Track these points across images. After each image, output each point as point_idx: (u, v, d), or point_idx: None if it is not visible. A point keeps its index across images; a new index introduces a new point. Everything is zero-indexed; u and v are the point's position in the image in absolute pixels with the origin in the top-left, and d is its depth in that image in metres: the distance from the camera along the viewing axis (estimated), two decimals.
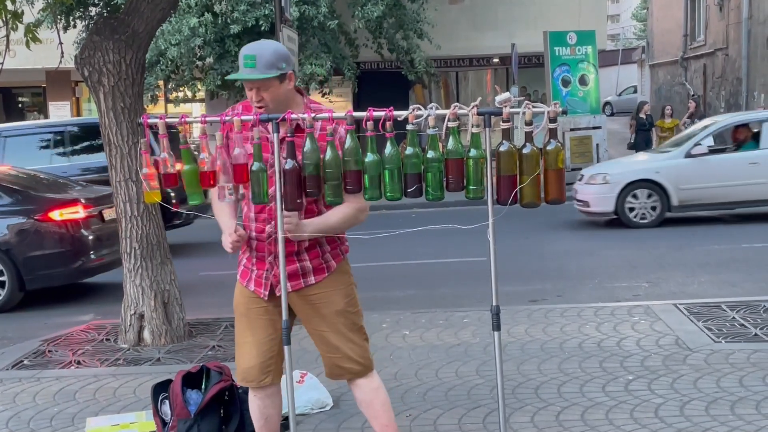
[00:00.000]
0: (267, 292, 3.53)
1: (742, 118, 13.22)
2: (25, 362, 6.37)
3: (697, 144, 12.32)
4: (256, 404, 3.73)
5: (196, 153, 3.42)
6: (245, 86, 3.37)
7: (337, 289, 3.57)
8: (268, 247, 3.47)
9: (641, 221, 12.28)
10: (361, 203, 3.40)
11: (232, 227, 3.44)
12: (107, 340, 6.90)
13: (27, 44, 6.81)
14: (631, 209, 12.32)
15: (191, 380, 4.66)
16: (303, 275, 3.51)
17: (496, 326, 3.37)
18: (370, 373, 3.62)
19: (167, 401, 4.63)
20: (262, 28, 16.34)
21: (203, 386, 4.62)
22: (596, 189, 12.50)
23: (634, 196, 12.29)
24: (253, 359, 3.60)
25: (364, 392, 3.63)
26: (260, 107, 3.35)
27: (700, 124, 13.72)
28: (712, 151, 12.43)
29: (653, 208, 12.27)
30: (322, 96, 18.59)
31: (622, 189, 12.25)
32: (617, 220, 12.51)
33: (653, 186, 12.22)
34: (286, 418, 4.53)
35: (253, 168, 3.21)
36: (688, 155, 12.27)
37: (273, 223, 3.40)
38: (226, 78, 3.41)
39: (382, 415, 3.63)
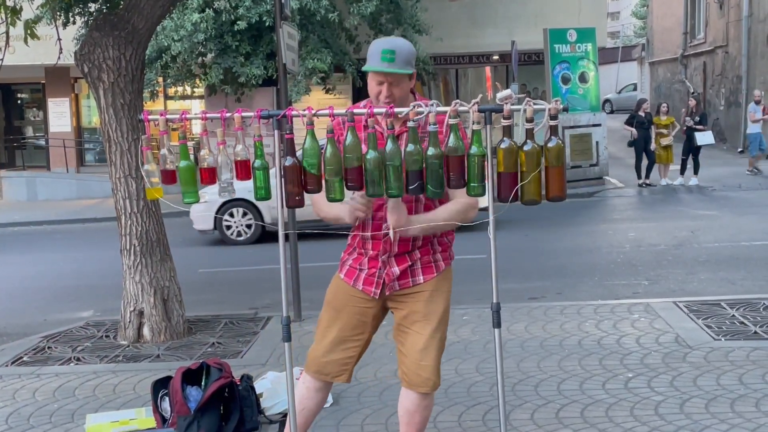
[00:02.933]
0: (378, 291, 3.50)
1: None
2: (25, 359, 6.38)
3: None
4: (301, 391, 3.66)
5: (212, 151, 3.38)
6: (374, 80, 3.32)
7: (441, 290, 3.54)
8: (383, 245, 3.45)
9: (238, 238, 12.87)
10: (471, 200, 3.36)
11: (346, 204, 3.36)
12: (107, 336, 6.90)
13: (25, 40, 6.80)
14: (228, 227, 12.90)
15: (191, 377, 4.66)
16: (412, 274, 3.49)
17: (497, 323, 3.37)
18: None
19: (167, 398, 4.64)
20: (266, 24, 16.32)
21: (203, 383, 4.63)
22: (199, 207, 12.81)
23: (231, 215, 12.84)
24: (333, 354, 3.56)
25: (414, 404, 3.55)
26: (388, 102, 3.30)
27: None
28: None
29: (248, 226, 12.87)
30: (326, 92, 18.55)
31: (219, 208, 12.71)
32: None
33: (247, 205, 12.72)
34: (285, 415, 4.54)
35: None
36: None
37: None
38: (363, 69, 3.35)
39: (417, 427, 3.57)
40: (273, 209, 12.46)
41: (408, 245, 3.46)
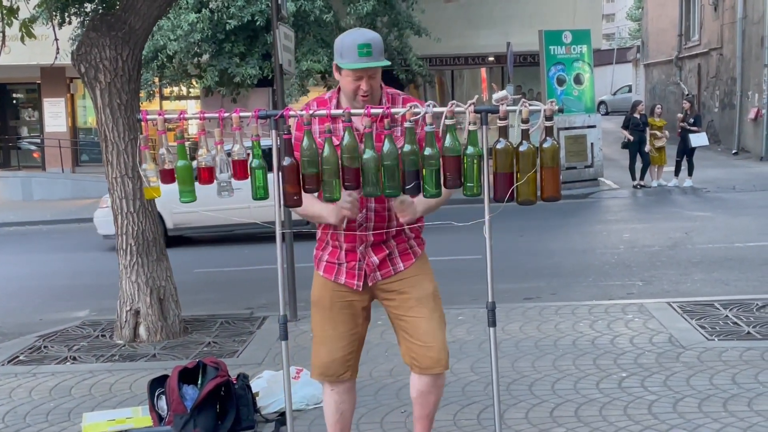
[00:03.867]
0: (361, 283, 3.52)
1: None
2: (21, 358, 6.39)
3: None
4: (332, 399, 3.68)
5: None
6: (351, 76, 3.29)
7: (425, 273, 3.59)
8: (359, 236, 3.47)
9: None
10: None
11: (335, 203, 3.37)
12: (103, 336, 6.91)
13: (22, 39, 6.81)
14: None
15: (187, 376, 4.68)
16: (392, 263, 3.52)
17: (492, 322, 3.39)
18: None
19: (163, 396, 4.66)
20: (258, 24, 16.32)
21: (199, 382, 4.65)
22: (101, 213, 12.91)
23: None
24: (333, 353, 3.58)
25: (427, 385, 3.58)
26: (365, 97, 3.31)
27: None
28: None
29: None
30: (327, 90, 18.58)
31: None
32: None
33: None
34: (282, 414, 4.56)
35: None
36: None
37: (364, 212, 3.41)
38: (341, 66, 3.31)
39: (431, 407, 3.62)
40: (175, 215, 12.69)
41: (382, 235, 3.48)
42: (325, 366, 3.60)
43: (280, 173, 3.28)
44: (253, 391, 4.83)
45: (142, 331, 6.66)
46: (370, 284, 3.53)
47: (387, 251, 3.51)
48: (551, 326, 6.48)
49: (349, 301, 3.57)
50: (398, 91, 3.49)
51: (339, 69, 3.35)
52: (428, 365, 3.52)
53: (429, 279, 3.59)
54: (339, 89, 3.47)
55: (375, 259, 3.50)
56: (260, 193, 3.38)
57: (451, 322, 6.74)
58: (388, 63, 3.36)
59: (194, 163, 3.45)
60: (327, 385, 3.68)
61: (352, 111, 3.26)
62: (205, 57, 17.19)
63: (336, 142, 3.25)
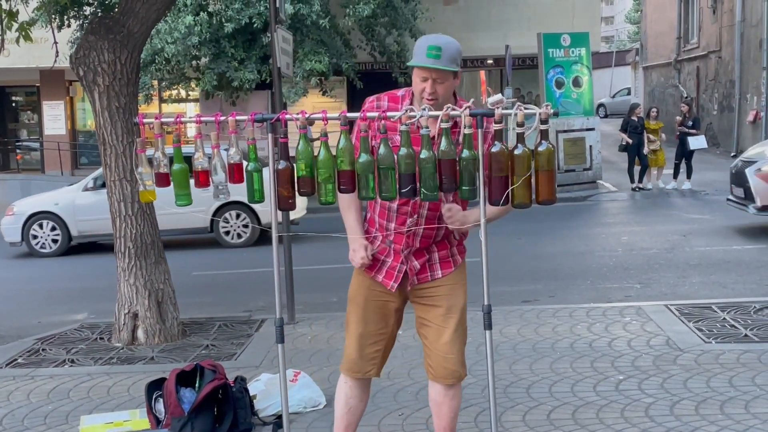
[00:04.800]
0: (396, 285, 3.53)
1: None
2: (20, 360, 6.39)
3: (95, 178, 13.11)
4: (344, 392, 3.70)
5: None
6: (419, 76, 3.32)
7: (460, 283, 3.60)
8: (406, 239, 3.48)
9: (42, 250, 13.03)
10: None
11: (361, 239, 3.46)
12: (101, 338, 6.91)
13: (17, 41, 6.80)
14: (35, 238, 13.04)
15: (185, 379, 4.68)
16: (431, 269, 3.53)
17: (488, 325, 3.40)
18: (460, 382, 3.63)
19: (161, 399, 4.66)
20: (255, 26, 16.33)
21: (197, 385, 4.65)
22: (7, 220, 13.10)
23: (40, 226, 13.04)
24: (361, 350, 3.60)
25: (441, 395, 3.61)
26: (431, 100, 3.30)
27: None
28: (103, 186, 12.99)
29: (54, 240, 13.06)
30: (323, 94, 18.57)
31: (26, 220, 12.98)
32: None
33: (54, 217, 13.00)
34: (279, 417, 4.56)
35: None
36: (86, 189, 13.11)
37: (416, 216, 3.42)
38: (408, 64, 3.36)
39: (446, 419, 3.63)
40: (80, 222, 12.91)
41: (429, 241, 3.50)
42: (352, 361, 3.63)
43: (275, 176, 3.29)
44: (251, 394, 4.84)
45: (140, 333, 6.66)
46: (408, 288, 3.55)
47: (427, 256, 3.53)
48: (549, 329, 6.49)
49: (384, 301, 3.60)
50: (466, 102, 3.44)
51: (411, 70, 3.40)
52: (442, 375, 3.56)
53: (463, 291, 3.61)
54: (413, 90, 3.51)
55: (416, 263, 3.52)
56: (257, 196, 3.39)
57: None
58: (455, 69, 3.33)
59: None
60: (345, 380, 3.70)
61: (348, 114, 3.26)
62: (204, 60, 17.21)
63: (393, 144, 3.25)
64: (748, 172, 11.18)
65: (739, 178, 11.56)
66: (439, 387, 3.59)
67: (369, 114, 3.24)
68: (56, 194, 13.66)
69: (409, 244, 3.49)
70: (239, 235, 12.93)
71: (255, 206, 12.34)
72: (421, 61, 3.29)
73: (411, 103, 3.41)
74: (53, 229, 13.05)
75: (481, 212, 3.29)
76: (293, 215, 13.12)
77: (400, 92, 3.51)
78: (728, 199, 12.01)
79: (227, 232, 12.94)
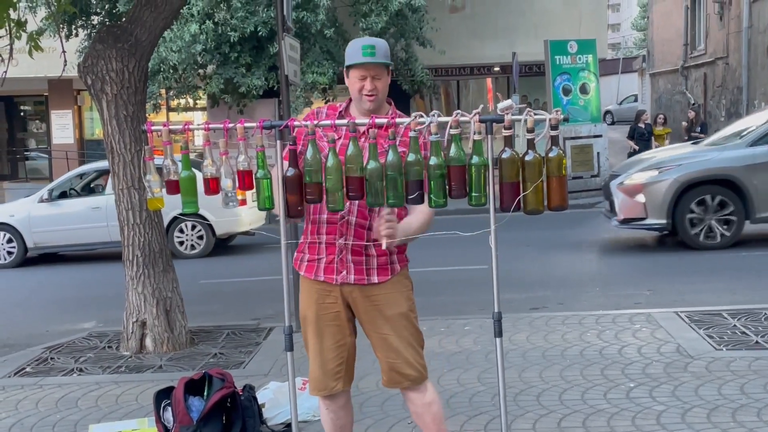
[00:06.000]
0: (339, 277, 3.51)
1: (87, 168, 14.38)
2: (28, 369, 6.38)
3: (51, 190, 13.24)
4: (328, 417, 3.70)
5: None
6: (357, 76, 3.40)
7: (401, 291, 3.57)
8: (339, 228, 3.47)
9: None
10: (432, 211, 3.44)
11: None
12: (109, 347, 6.90)
13: (29, 52, 6.83)
14: None
15: (193, 387, 4.66)
16: (368, 272, 3.51)
17: (498, 333, 3.37)
18: (424, 384, 3.59)
19: (170, 408, 4.63)
20: (260, 34, 16.36)
21: (205, 393, 4.63)
22: None
23: None
24: (324, 365, 3.59)
25: (416, 406, 3.62)
26: (371, 96, 3.40)
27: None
28: (61, 196, 13.26)
29: (10, 252, 13.12)
30: (325, 103, 18.60)
31: None
32: None
33: (9, 229, 13.09)
34: (288, 425, 4.54)
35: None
36: (41, 200, 13.16)
37: (348, 204, 3.39)
38: (347, 65, 3.43)
39: (432, 428, 3.62)
40: (35, 233, 13.03)
41: (364, 232, 3.48)
42: (317, 380, 3.61)
43: (283, 184, 3.28)
44: (260, 403, 4.81)
45: (148, 342, 6.65)
46: (340, 281, 3.51)
47: (364, 257, 3.50)
48: (558, 336, 6.46)
49: (335, 312, 3.57)
50: (405, 115, 3.51)
51: (347, 72, 3.47)
52: (396, 380, 3.57)
53: (404, 297, 3.58)
54: (350, 99, 3.55)
55: (350, 257, 3.49)
56: (267, 204, 3.37)
57: (458, 332, 6.73)
58: (390, 63, 3.47)
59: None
60: (322, 403, 3.70)
61: (357, 121, 3.25)
62: (210, 68, 17.26)
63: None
64: (612, 185, 11.27)
65: (606, 191, 11.72)
66: (412, 396, 3.59)
67: (378, 121, 3.22)
68: (12, 206, 13.84)
69: (342, 233, 3.47)
70: (193, 246, 12.96)
71: (210, 217, 12.40)
72: (357, 59, 3.40)
73: (347, 110, 3.52)
74: (9, 240, 13.13)
75: (491, 220, 3.26)
76: (249, 225, 13.20)
77: (338, 103, 3.63)
78: (603, 213, 12.08)
79: (181, 243, 12.98)
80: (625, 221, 10.97)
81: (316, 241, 3.54)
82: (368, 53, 3.39)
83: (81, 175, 13.96)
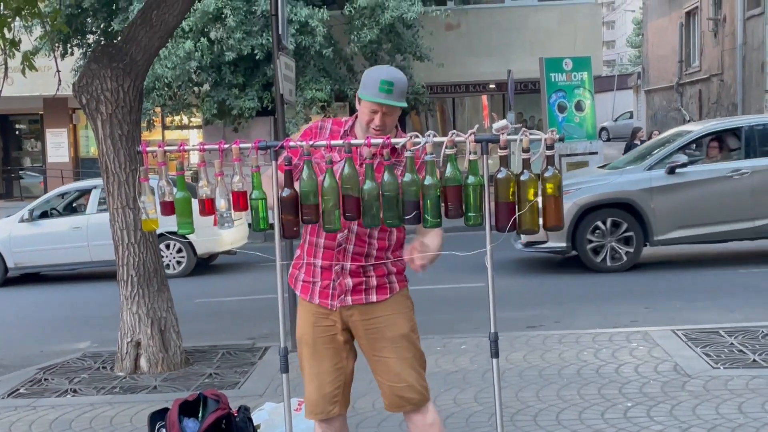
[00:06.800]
0: (336, 303, 3.49)
1: (69, 188, 14.42)
2: (21, 390, 6.35)
3: (31, 209, 13.28)
4: None
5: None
6: (368, 108, 3.37)
7: (401, 312, 3.55)
8: (336, 255, 3.45)
9: None
10: (440, 231, 3.44)
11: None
12: (103, 368, 6.87)
13: (23, 71, 6.86)
14: None
15: (188, 409, 4.63)
16: (366, 292, 3.49)
17: (494, 353, 3.36)
18: (426, 406, 3.56)
19: (164, 430, 4.60)
20: (257, 57, 16.42)
21: (200, 415, 4.60)
22: None
23: None
24: (321, 389, 3.56)
25: (418, 428, 3.57)
26: (378, 131, 3.38)
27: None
28: (42, 216, 13.30)
29: None
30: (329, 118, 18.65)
31: None
32: None
33: None
34: None
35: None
36: (21, 220, 13.21)
37: (346, 232, 3.39)
38: (360, 96, 3.41)
39: None
40: (16, 253, 13.02)
41: (362, 258, 3.46)
42: (314, 403, 3.59)
43: (279, 204, 3.28)
44: (255, 424, 4.78)
45: (143, 362, 6.63)
46: (338, 305, 3.49)
47: (363, 278, 3.48)
48: (555, 355, 6.45)
49: (332, 335, 3.55)
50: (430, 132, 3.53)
51: (359, 100, 3.44)
52: (398, 404, 3.54)
53: (405, 318, 3.56)
54: (356, 116, 3.55)
55: (349, 281, 3.47)
56: (262, 224, 3.37)
57: (454, 351, 6.71)
58: (405, 105, 3.43)
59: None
60: (318, 427, 3.66)
61: (353, 141, 3.26)
62: (206, 87, 17.28)
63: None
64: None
65: None
66: (414, 417, 3.55)
67: (373, 141, 3.23)
68: None
69: (339, 259, 3.46)
70: (174, 266, 12.90)
71: (192, 237, 12.30)
72: (372, 96, 3.35)
73: (353, 128, 3.51)
74: None
75: (486, 238, 3.26)
76: (231, 245, 13.18)
77: (344, 118, 3.60)
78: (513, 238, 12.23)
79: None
80: (529, 244, 11.17)
81: (312, 263, 3.53)
82: (385, 90, 3.33)
83: (62, 195, 13.93)
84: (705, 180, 10.79)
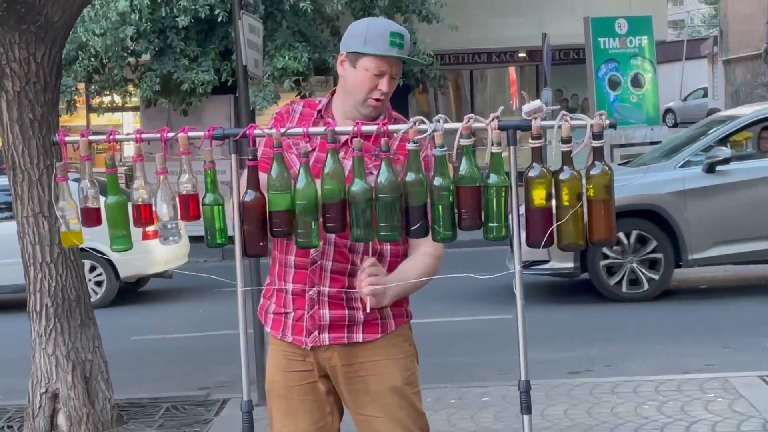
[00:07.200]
0: (310, 340, 3.47)
1: None
2: None
3: None
4: None
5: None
6: (374, 69, 3.38)
7: (394, 358, 3.52)
8: (311, 276, 3.43)
9: None
10: (438, 249, 3.43)
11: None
12: (9, 427, 6.87)
13: None
14: None
15: None
16: (348, 327, 3.46)
17: (526, 408, 3.35)
18: None
19: None
20: (220, 19, 16.42)
21: None
22: None
23: None
24: None
25: None
26: (379, 101, 3.42)
27: None
28: None
29: None
30: (300, 99, 18.60)
31: None
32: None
33: None
34: None
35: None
36: None
37: (321, 244, 3.35)
38: (361, 51, 3.40)
39: None
40: None
41: (343, 278, 3.43)
42: None
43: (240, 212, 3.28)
44: None
45: (61, 420, 6.61)
46: (311, 344, 3.46)
47: (347, 311, 3.45)
48: (606, 409, 6.46)
49: (310, 383, 3.54)
50: (403, 117, 3.55)
51: (353, 60, 3.43)
52: None
53: (398, 366, 3.53)
54: (333, 92, 3.56)
55: (327, 313, 3.45)
56: (219, 239, 3.34)
57: (475, 404, 6.71)
58: (422, 63, 3.43)
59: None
60: None
61: (338, 128, 3.26)
62: (144, 57, 17.29)
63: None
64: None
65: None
66: None
67: (365, 128, 3.23)
68: None
69: (314, 282, 3.44)
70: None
71: (114, 256, 12.17)
72: (383, 50, 3.37)
73: (328, 107, 3.53)
74: None
75: (515, 255, 3.26)
76: (166, 265, 13.08)
77: (317, 99, 3.62)
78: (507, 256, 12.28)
79: None
80: (526, 265, 11.07)
81: (283, 288, 3.53)
82: (396, 44, 3.38)
83: None
84: (756, 180, 10.70)
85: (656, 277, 10.75)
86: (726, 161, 10.67)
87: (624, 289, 10.78)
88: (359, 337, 3.47)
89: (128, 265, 12.73)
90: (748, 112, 11.72)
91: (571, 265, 10.80)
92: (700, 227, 10.61)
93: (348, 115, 3.46)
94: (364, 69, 3.40)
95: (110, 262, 12.62)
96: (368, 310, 3.38)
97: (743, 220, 10.61)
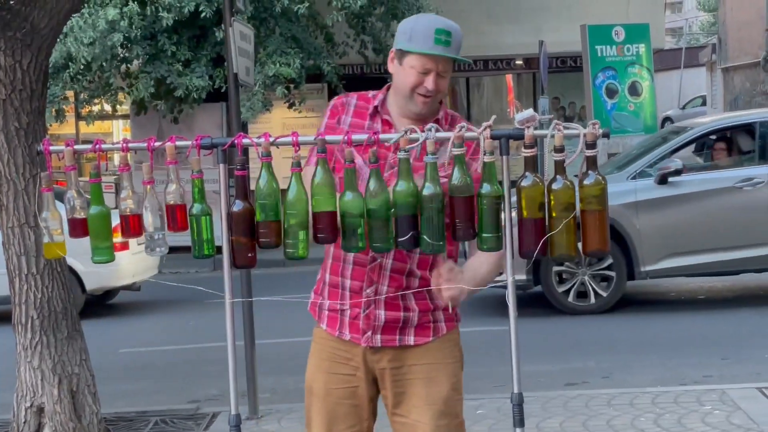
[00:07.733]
0: (364, 339, 3.48)
1: None
2: None
3: None
4: None
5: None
6: (419, 67, 3.39)
7: (444, 362, 3.55)
8: (369, 274, 3.45)
9: None
10: (502, 251, 3.40)
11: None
12: None
13: None
14: None
15: None
16: (401, 331, 3.49)
17: (518, 421, 3.36)
18: None
19: None
20: (204, 15, 16.36)
21: None
22: None
23: None
24: None
25: None
26: (427, 98, 3.41)
27: None
28: None
29: None
30: (289, 107, 18.52)
31: None
32: None
33: None
34: None
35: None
36: None
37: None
38: (406, 48, 3.40)
39: None
40: None
41: (401, 279, 3.46)
42: None
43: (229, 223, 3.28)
44: None
45: None
46: (364, 343, 3.48)
47: (401, 314, 3.48)
48: (602, 422, 6.46)
49: (352, 388, 3.55)
50: (460, 116, 3.57)
51: (400, 57, 3.45)
52: None
53: (449, 372, 3.57)
54: (388, 87, 3.56)
55: (382, 313, 3.47)
56: (206, 250, 3.35)
57: (469, 416, 6.64)
58: (469, 61, 3.47)
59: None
60: None
61: (327, 138, 3.25)
62: (136, 63, 17.27)
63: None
64: None
65: None
66: None
67: (355, 137, 3.23)
68: None
69: (372, 280, 3.46)
70: None
71: (78, 267, 12.03)
72: (428, 48, 3.37)
73: (384, 103, 3.52)
74: None
75: (507, 267, 3.27)
76: (134, 277, 12.93)
77: (370, 93, 3.61)
78: None
79: None
80: None
81: (338, 284, 3.53)
82: (443, 42, 3.38)
83: None
84: (708, 192, 10.74)
85: (605, 294, 10.82)
86: (677, 173, 10.74)
87: (570, 299, 10.83)
88: (411, 339, 3.51)
89: (95, 278, 12.52)
90: (699, 124, 11.79)
91: (524, 277, 10.63)
92: (652, 239, 10.67)
93: (402, 113, 3.48)
94: (410, 67, 3.42)
95: (76, 275, 12.33)
96: (450, 310, 3.46)
97: (695, 231, 10.68)
